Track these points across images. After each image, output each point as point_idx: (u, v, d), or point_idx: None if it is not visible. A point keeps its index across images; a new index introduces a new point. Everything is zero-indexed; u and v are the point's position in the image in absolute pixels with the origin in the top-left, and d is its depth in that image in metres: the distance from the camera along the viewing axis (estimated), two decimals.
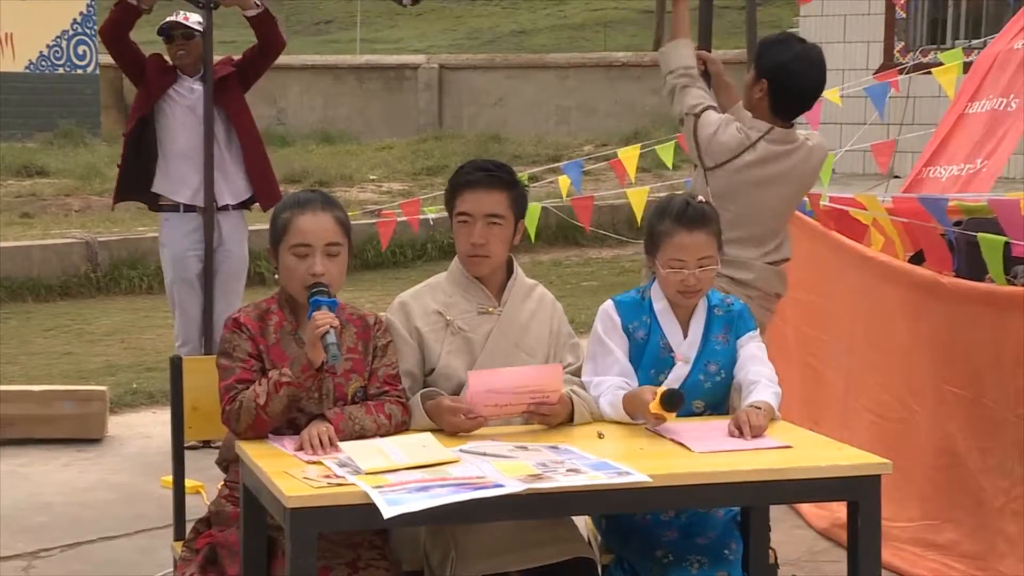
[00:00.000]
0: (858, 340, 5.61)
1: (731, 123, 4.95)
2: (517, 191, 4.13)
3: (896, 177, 11.97)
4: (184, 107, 7.01)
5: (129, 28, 6.90)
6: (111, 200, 7.61)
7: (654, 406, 3.80)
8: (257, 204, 7.21)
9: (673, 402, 3.81)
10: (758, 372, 4.08)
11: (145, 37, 7.11)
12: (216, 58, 7.10)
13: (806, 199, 6.16)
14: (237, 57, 7.28)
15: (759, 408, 3.91)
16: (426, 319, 4.07)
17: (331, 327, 3.72)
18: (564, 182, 7.97)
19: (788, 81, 4.91)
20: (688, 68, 5.04)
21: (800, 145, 5.01)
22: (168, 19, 7.08)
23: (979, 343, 4.89)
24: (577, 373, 4.16)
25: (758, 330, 4.26)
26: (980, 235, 5.38)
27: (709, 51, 5.39)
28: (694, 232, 4.09)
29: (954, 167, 7.04)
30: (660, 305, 4.17)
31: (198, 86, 6.99)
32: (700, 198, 4.21)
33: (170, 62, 7.06)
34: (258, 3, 7.01)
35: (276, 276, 3.96)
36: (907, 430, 5.25)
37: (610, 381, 4.05)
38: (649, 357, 4.14)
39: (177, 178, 7.03)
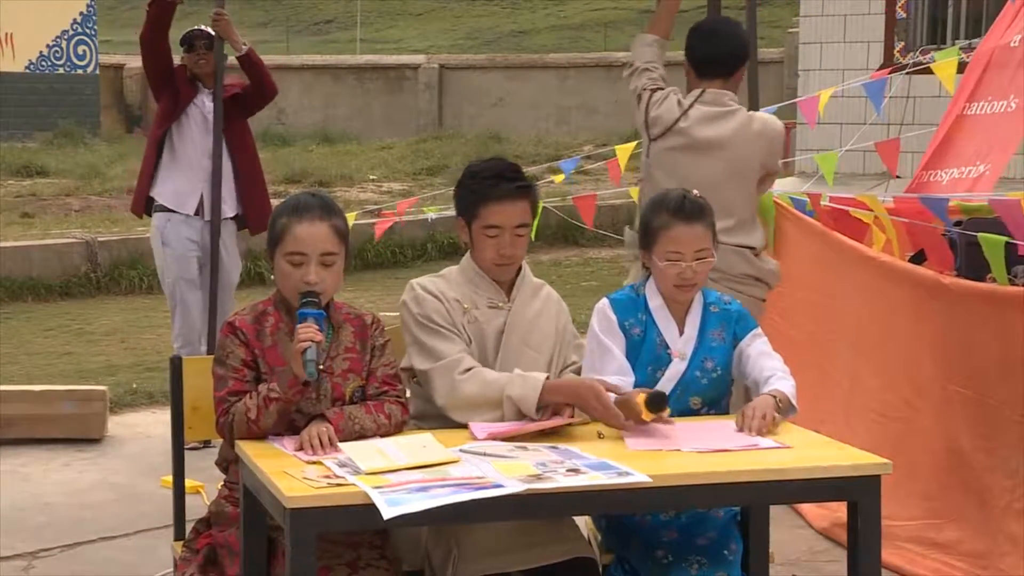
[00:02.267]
0: (863, 339, 5.61)
1: (671, 94, 5.26)
2: (534, 194, 4.16)
3: (897, 177, 11.96)
4: (197, 121, 7.05)
5: (168, 26, 6.92)
6: (132, 208, 7.40)
7: (645, 415, 3.81)
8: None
9: (658, 404, 3.81)
10: (772, 367, 4.09)
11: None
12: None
13: (806, 198, 6.16)
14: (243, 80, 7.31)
15: (774, 397, 3.93)
16: (448, 304, 4.09)
17: (312, 343, 3.72)
18: (560, 178, 8.01)
19: (697, 43, 5.25)
20: (650, 63, 5.35)
21: (736, 111, 5.22)
22: (192, 28, 7.09)
23: (983, 343, 4.89)
24: (579, 372, 4.17)
25: (759, 328, 4.26)
26: (980, 235, 5.38)
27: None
28: (691, 225, 4.11)
29: (955, 170, 7.03)
30: (655, 302, 4.18)
31: (211, 102, 7.02)
32: (695, 192, 4.23)
33: (188, 72, 7.08)
34: (244, 44, 7.03)
35: (273, 277, 3.96)
36: (911, 429, 5.25)
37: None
38: (646, 354, 4.14)
39: (181, 189, 7.05)
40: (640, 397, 3.83)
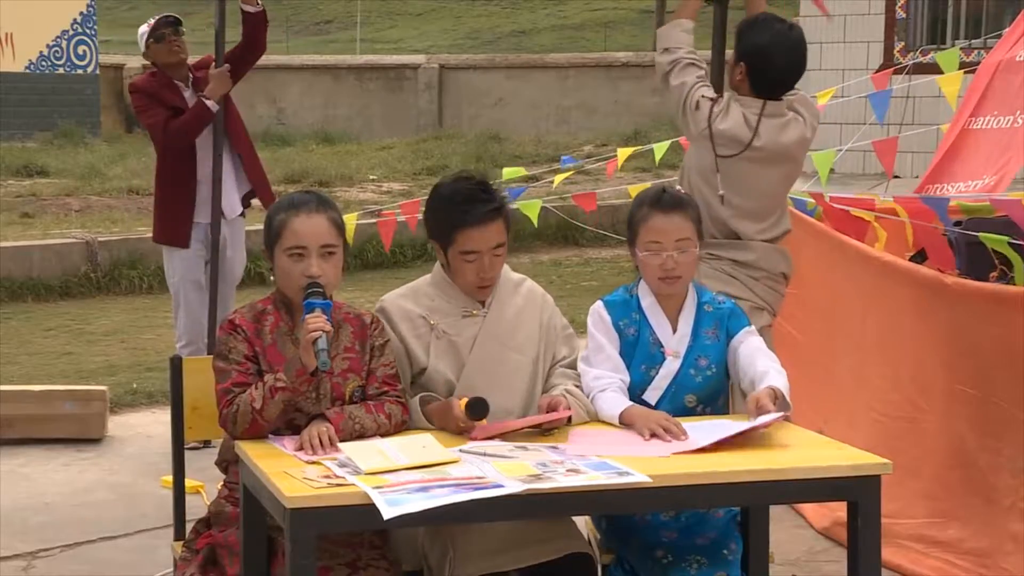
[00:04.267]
0: (866, 339, 5.60)
1: (730, 105, 4.98)
2: (507, 210, 4.09)
3: (896, 177, 11.95)
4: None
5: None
6: (167, 240, 7.08)
7: (463, 420, 3.82)
8: (255, 204, 7.23)
9: (478, 410, 3.82)
10: (765, 365, 4.09)
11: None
12: (196, 59, 7.05)
13: (810, 199, 6.17)
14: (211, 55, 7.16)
15: (773, 390, 3.93)
16: (409, 323, 4.06)
17: (323, 332, 3.72)
18: (558, 179, 8.03)
19: (765, 64, 4.95)
20: (692, 53, 5.05)
21: (793, 117, 5.05)
22: (157, 19, 6.95)
23: (988, 342, 4.89)
24: (572, 366, 4.17)
25: (752, 326, 4.26)
26: (982, 234, 5.39)
27: (723, 54, 5.39)
28: (670, 214, 4.13)
29: (960, 184, 7.03)
30: (648, 301, 4.19)
31: (189, 94, 6.93)
32: (678, 187, 4.23)
33: (152, 64, 6.95)
34: (259, 1, 6.95)
35: (272, 278, 3.95)
36: (915, 429, 5.25)
37: (609, 378, 4.06)
38: (640, 353, 4.15)
39: (198, 199, 6.98)
40: (462, 402, 3.84)
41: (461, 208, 4.00)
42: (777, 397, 3.93)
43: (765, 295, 5.02)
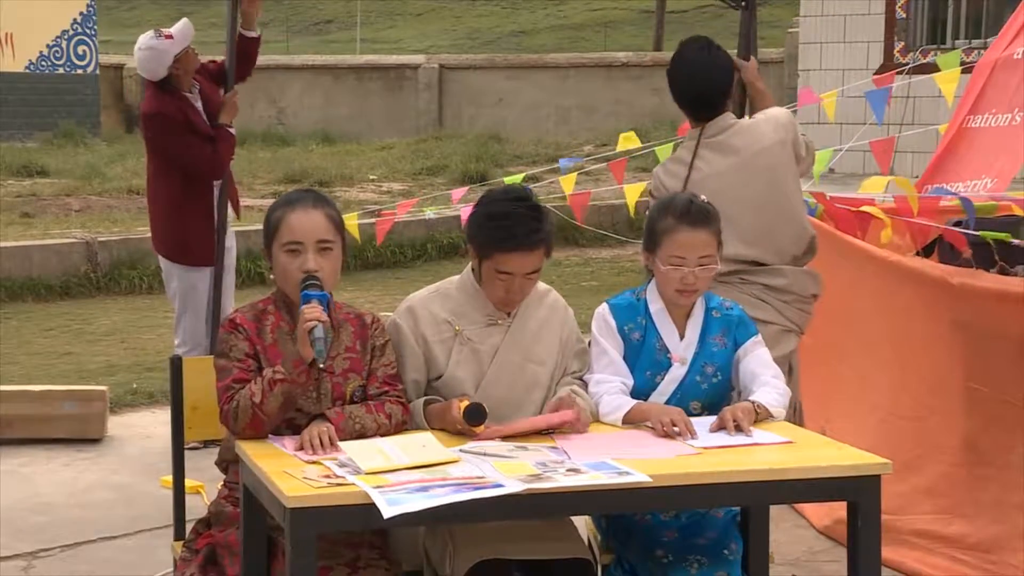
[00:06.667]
0: (873, 339, 5.60)
1: (659, 171, 5.00)
2: (551, 239, 4.01)
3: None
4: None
5: None
6: (178, 258, 7.08)
7: (460, 423, 3.81)
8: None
9: (477, 416, 3.80)
10: (763, 380, 4.09)
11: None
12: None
13: (810, 197, 6.15)
14: (207, 60, 7.19)
15: (752, 403, 3.94)
16: (435, 327, 4.04)
17: (319, 322, 3.72)
18: (566, 181, 7.98)
19: (679, 89, 4.97)
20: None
21: (738, 125, 4.98)
22: (163, 35, 6.89)
23: (998, 339, 4.89)
24: (581, 379, 4.16)
25: (759, 335, 4.24)
26: (983, 233, 5.39)
27: (748, 58, 5.34)
28: (697, 230, 4.09)
29: (960, 184, 7.03)
30: (656, 306, 4.17)
31: (198, 103, 6.96)
32: (703, 197, 4.20)
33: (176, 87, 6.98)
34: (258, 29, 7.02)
35: (271, 277, 3.96)
36: (922, 427, 5.24)
37: (612, 382, 4.05)
38: (645, 359, 4.13)
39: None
40: (462, 403, 3.83)
41: (508, 231, 3.92)
42: (758, 412, 3.94)
43: (795, 317, 4.94)
